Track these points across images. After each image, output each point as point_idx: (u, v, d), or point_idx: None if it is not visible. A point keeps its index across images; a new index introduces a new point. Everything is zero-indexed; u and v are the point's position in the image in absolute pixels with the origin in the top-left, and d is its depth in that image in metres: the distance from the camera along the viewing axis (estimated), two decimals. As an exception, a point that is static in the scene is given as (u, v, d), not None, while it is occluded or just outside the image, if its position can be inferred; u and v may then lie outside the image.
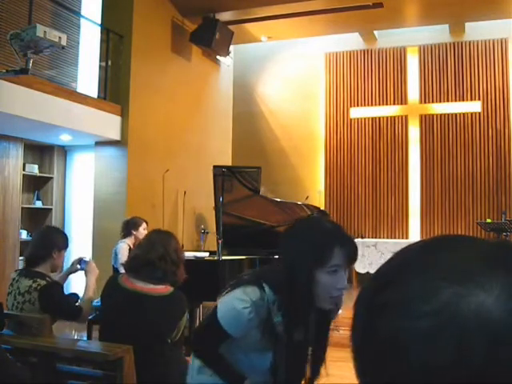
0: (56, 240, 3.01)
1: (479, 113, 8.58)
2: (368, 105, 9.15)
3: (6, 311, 2.81)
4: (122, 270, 4.78)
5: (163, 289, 2.62)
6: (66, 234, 3.19)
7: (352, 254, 1.64)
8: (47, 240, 3.00)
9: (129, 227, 5.29)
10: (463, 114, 8.66)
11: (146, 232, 5.32)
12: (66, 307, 2.87)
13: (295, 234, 1.72)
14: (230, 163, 9.27)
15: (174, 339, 2.63)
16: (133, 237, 5.25)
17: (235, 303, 1.64)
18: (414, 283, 0.43)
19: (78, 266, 3.17)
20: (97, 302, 4.19)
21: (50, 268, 3.01)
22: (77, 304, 2.93)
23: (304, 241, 1.63)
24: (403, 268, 0.46)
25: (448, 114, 8.73)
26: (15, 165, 6.48)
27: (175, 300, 2.65)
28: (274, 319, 1.64)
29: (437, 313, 0.41)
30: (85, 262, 3.16)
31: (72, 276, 3.39)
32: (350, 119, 9.23)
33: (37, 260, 2.94)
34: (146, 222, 5.39)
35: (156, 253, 2.65)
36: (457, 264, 0.43)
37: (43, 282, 2.82)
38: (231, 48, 8.64)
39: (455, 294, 0.41)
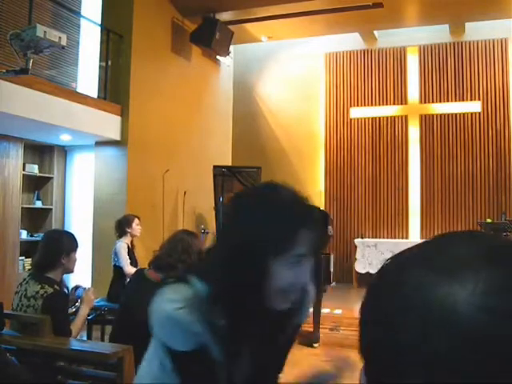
0: (62, 245, 2.93)
1: (479, 113, 8.58)
2: (368, 105, 9.15)
3: (7, 311, 2.81)
4: (127, 269, 4.81)
5: None
6: (72, 235, 3.09)
7: (321, 240, 1.16)
8: (54, 246, 2.93)
9: (122, 226, 5.26)
10: (463, 113, 8.66)
11: (139, 227, 5.31)
12: (61, 322, 2.82)
13: (242, 209, 1.15)
14: (230, 163, 9.27)
15: None
16: (128, 235, 5.24)
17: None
18: (404, 272, 0.45)
19: (74, 293, 3.17)
20: (97, 301, 4.19)
21: (62, 272, 2.97)
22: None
23: (255, 220, 1.08)
24: (403, 259, 0.47)
25: (448, 114, 8.73)
26: (15, 165, 6.48)
27: None
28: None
29: (407, 296, 0.42)
30: (82, 289, 3.15)
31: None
32: (350, 119, 9.23)
33: (45, 267, 2.89)
34: (138, 218, 5.36)
35: (177, 256, 2.69)
36: (442, 256, 0.44)
37: (50, 290, 2.78)
38: (231, 48, 8.63)
39: (428, 282, 0.42)
